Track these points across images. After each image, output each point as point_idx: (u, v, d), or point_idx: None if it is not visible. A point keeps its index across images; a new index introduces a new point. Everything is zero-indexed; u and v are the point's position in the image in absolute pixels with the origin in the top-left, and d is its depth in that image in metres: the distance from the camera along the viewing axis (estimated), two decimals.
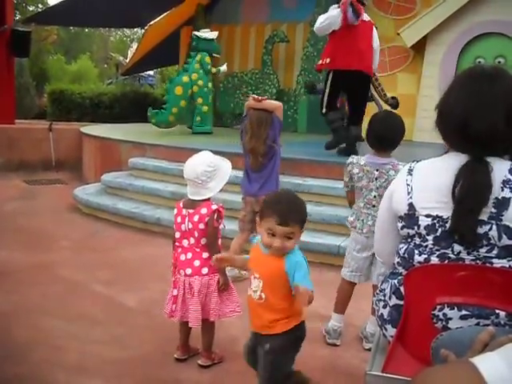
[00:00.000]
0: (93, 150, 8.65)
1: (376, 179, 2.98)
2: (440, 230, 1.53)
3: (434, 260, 1.54)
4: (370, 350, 2.71)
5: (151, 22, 13.70)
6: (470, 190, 1.45)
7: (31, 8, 26.72)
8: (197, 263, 2.74)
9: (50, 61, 24.04)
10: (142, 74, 22.26)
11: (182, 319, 2.78)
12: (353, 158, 3.10)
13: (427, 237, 1.56)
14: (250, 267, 2.24)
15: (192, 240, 2.75)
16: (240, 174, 5.17)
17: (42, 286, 3.93)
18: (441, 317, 1.51)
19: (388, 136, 2.95)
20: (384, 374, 1.55)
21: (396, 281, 1.65)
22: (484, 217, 1.46)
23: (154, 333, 3.20)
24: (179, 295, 2.75)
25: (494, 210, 1.45)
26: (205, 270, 2.74)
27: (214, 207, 2.71)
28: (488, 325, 1.44)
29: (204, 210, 2.70)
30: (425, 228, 1.56)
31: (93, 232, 5.62)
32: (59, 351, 2.93)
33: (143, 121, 13.31)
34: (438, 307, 1.51)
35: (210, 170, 2.72)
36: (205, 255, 2.74)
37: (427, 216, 1.55)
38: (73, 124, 11.54)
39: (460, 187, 1.47)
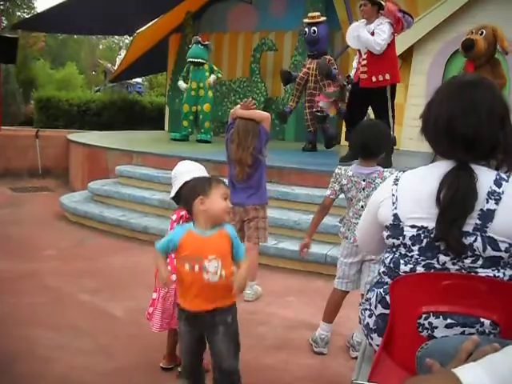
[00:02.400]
0: (80, 157, 8.61)
1: (363, 189, 2.98)
2: (425, 240, 1.54)
3: (420, 270, 1.55)
4: (356, 358, 2.71)
5: (140, 30, 13.70)
6: (455, 197, 1.46)
7: (18, 13, 26.63)
8: (168, 268, 2.76)
9: (36, 67, 23.89)
10: (130, 81, 22.25)
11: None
12: (340, 169, 3.09)
13: (412, 247, 1.57)
14: (195, 253, 2.22)
15: None
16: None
17: (28, 295, 3.89)
18: (426, 325, 1.51)
19: (371, 145, 2.95)
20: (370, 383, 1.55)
21: (382, 290, 1.66)
22: (469, 228, 1.47)
23: (142, 342, 3.18)
24: (157, 299, 2.78)
25: (478, 222, 1.46)
26: (174, 277, 2.74)
27: (182, 213, 2.73)
28: (473, 333, 1.45)
29: (174, 216, 2.76)
30: (410, 239, 1.57)
31: (79, 240, 5.58)
32: (45, 362, 2.90)
33: (131, 128, 13.34)
34: (424, 316, 1.52)
35: (172, 176, 2.84)
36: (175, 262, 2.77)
37: (412, 227, 1.56)
38: (60, 131, 11.48)
39: (444, 194, 1.48)
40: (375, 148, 2.96)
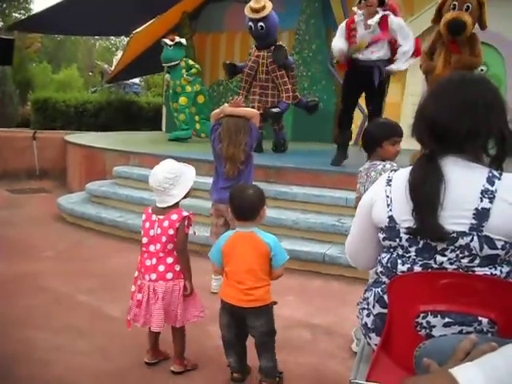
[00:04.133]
0: (77, 158, 8.59)
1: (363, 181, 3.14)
2: (422, 242, 1.53)
3: (418, 270, 1.54)
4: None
5: (136, 30, 13.67)
6: (418, 185, 1.50)
7: (15, 15, 26.60)
8: (161, 268, 2.76)
9: (35, 69, 23.81)
10: (127, 81, 22.19)
11: (145, 325, 2.80)
12: (364, 165, 3.26)
13: (409, 248, 1.56)
14: None
15: (158, 245, 2.78)
16: None
17: (26, 296, 3.88)
18: (424, 324, 1.51)
19: (364, 140, 3.16)
20: (368, 383, 1.54)
21: (379, 289, 1.65)
22: (465, 228, 1.46)
23: (140, 343, 3.17)
24: (143, 300, 2.76)
25: (474, 222, 1.45)
26: (169, 276, 2.76)
27: (185, 214, 2.77)
28: (471, 332, 1.45)
29: (174, 216, 2.75)
30: (407, 240, 1.56)
31: (77, 241, 5.57)
32: (43, 365, 2.89)
33: (128, 129, 13.30)
34: (422, 315, 1.51)
35: (172, 177, 2.78)
36: (169, 260, 2.77)
37: (408, 228, 1.55)
38: (57, 132, 11.44)
39: (410, 186, 1.52)
40: (367, 144, 3.16)
